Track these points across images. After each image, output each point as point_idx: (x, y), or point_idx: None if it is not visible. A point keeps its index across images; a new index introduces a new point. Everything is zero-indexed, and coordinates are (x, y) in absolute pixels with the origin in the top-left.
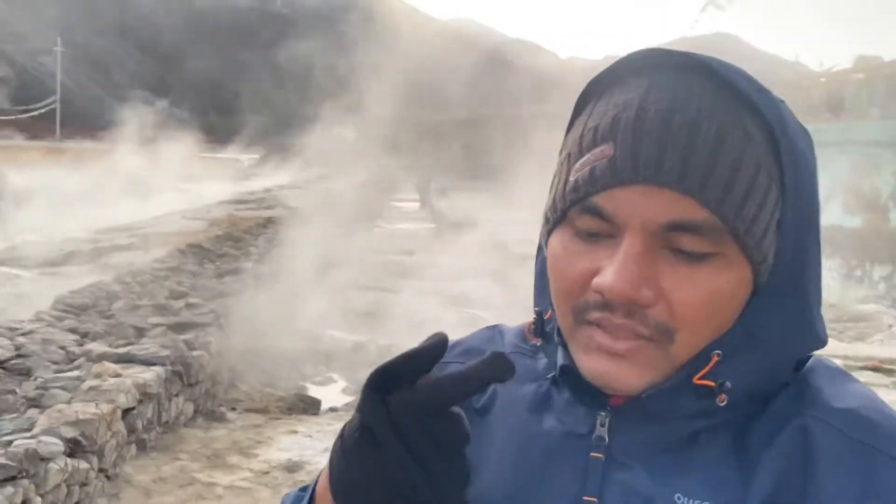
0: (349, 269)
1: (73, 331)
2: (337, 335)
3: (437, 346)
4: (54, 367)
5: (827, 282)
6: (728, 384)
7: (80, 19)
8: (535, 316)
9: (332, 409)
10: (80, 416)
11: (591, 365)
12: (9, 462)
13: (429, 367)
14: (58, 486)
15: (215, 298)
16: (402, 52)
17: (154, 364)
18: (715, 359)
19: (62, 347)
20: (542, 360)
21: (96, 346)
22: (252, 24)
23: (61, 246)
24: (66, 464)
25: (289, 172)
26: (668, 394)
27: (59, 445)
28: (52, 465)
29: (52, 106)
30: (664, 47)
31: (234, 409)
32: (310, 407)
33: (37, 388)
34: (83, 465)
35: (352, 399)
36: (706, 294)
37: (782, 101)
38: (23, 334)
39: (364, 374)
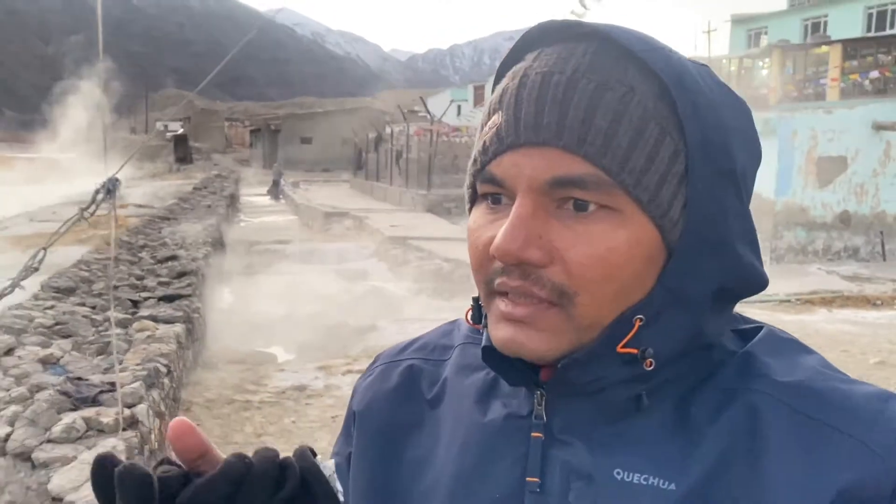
0: (242, 258)
1: (82, 304)
2: (266, 309)
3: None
4: (92, 329)
5: None
6: (650, 350)
7: None
8: (472, 301)
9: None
10: (164, 350)
11: (497, 334)
12: (130, 386)
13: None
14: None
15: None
16: (222, 44)
17: (174, 322)
18: (637, 324)
19: (84, 316)
20: None
21: (113, 314)
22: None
23: None
24: (165, 385)
25: (115, 170)
26: (593, 363)
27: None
28: (154, 390)
29: None
30: (557, 20)
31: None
32: (270, 360)
33: (95, 343)
34: (166, 389)
35: (293, 357)
36: (602, 251)
37: (704, 66)
38: (44, 309)
39: (296, 337)
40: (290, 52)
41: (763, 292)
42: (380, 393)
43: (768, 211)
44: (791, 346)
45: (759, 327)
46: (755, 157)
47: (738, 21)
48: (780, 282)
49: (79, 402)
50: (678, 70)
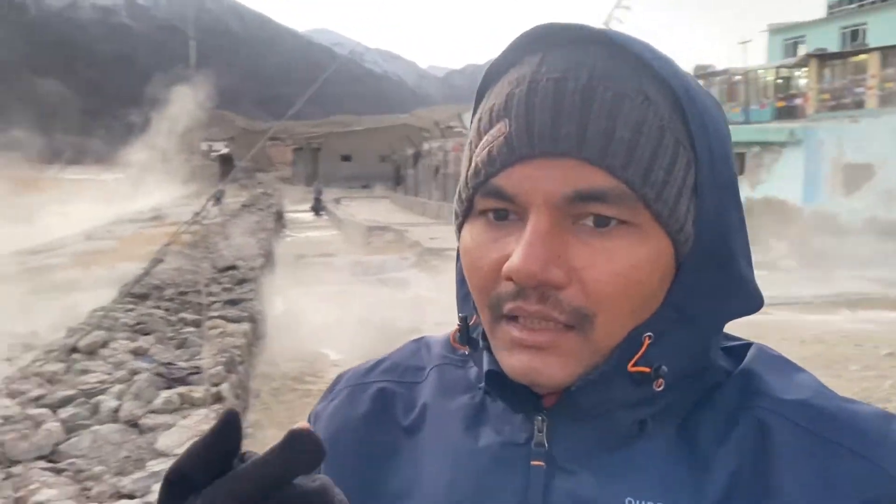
0: (291, 269)
1: (157, 307)
2: (316, 315)
3: (228, 427)
4: (168, 327)
5: None
6: (664, 368)
7: None
8: (458, 322)
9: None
10: (235, 343)
11: (512, 362)
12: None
13: (231, 450)
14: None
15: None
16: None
17: (241, 321)
18: (647, 342)
19: (161, 317)
20: (473, 370)
21: (187, 315)
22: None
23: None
24: (240, 371)
25: (164, 192)
26: (601, 384)
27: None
28: (232, 374)
29: None
30: (559, 22)
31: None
32: (324, 358)
33: (175, 338)
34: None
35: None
36: (623, 269)
37: (687, 74)
38: (126, 311)
39: (345, 339)
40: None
41: (790, 293)
42: (349, 419)
43: (796, 217)
44: (784, 364)
45: (746, 344)
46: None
47: (776, 31)
48: (808, 285)
49: (172, 382)
50: (684, 80)
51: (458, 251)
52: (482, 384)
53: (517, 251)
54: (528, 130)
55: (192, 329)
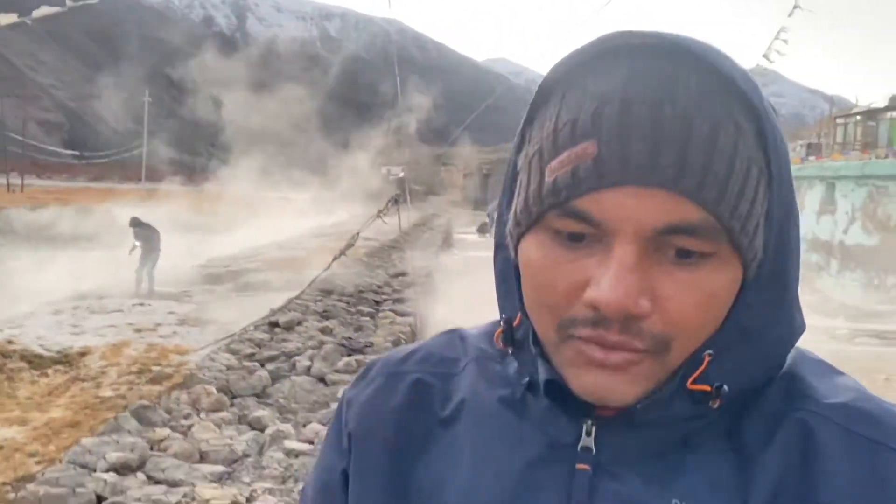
0: (454, 280)
1: (339, 300)
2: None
3: None
4: (349, 315)
5: (851, 291)
6: (725, 388)
7: (128, 69)
8: (503, 324)
9: None
10: (402, 331)
11: (584, 381)
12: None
13: None
14: None
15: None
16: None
17: (407, 315)
18: (707, 359)
19: (342, 308)
20: (513, 364)
21: (363, 308)
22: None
23: (198, 271)
24: None
25: (344, 210)
26: (666, 400)
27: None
28: None
29: (137, 151)
30: (634, 30)
31: None
32: None
33: (353, 323)
34: None
35: None
36: (704, 299)
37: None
38: (315, 301)
39: None
40: (504, 100)
41: None
42: (384, 409)
43: None
44: (825, 368)
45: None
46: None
47: None
48: None
49: (351, 351)
50: (764, 101)
51: (496, 248)
52: (524, 381)
53: (606, 281)
54: (623, 157)
55: (367, 318)
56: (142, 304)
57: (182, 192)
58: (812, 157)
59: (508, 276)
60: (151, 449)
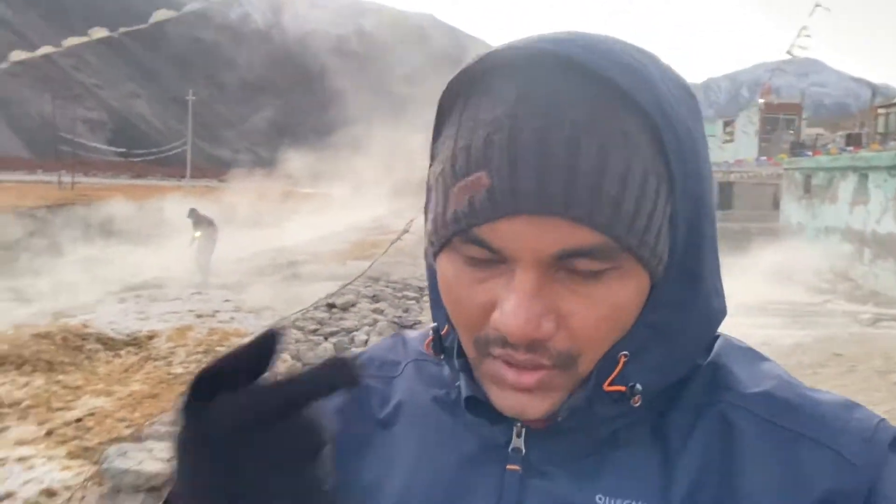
0: None
1: (386, 287)
2: None
3: (265, 343)
4: (396, 299)
5: (883, 279)
6: (638, 386)
7: (168, 68)
8: (432, 333)
9: None
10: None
11: (503, 402)
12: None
13: (261, 368)
14: None
15: None
16: None
17: None
18: (622, 360)
19: (389, 293)
20: (447, 368)
21: (409, 293)
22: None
23: (245, 263)
24: None
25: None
26: (582, 406)
27: None
28: None
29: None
30: (526, 41)
31: None
32: None
33: (401, 306)
34: None
35: None
36: (608, 311)
37: (652, 61)
38: (365, 286)
39: None
40: None
41: None
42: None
43: None
44: (750, 355)
45: (714, 337)
46: (708, 160)
47: None
48: None
49: (402, 327)
50: (659, 99)
51: (426, 256)
52: (457, 383)
53: (508, 308)
54: (513, 188)
55: (412, 301)
56: (199, 294)
57: (224, 188)
58: (850, 148)
59: (435, 286)
60: None
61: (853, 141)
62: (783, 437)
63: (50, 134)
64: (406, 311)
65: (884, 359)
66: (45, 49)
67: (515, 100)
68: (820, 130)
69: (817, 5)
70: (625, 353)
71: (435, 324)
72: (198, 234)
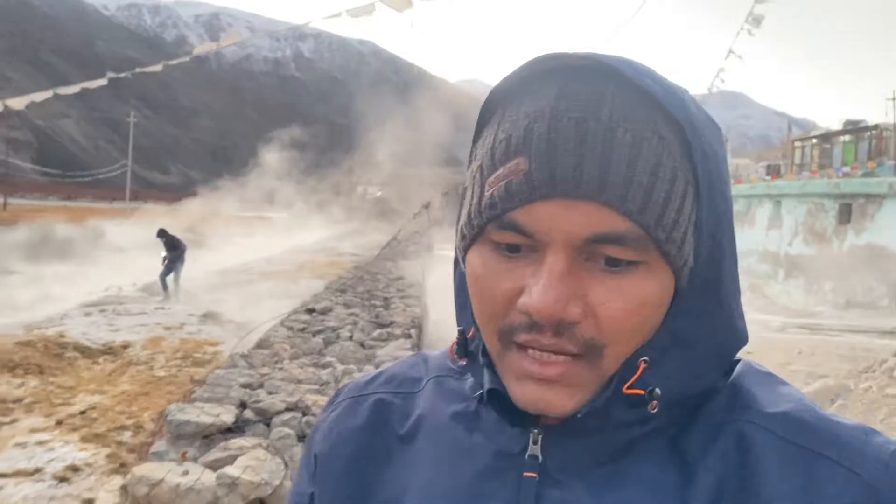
0: (440, 291)
1: (354, 297)
2: None
3: None
4: (366, 305)
5: (794, 295)
6: (657, 391)
7: (99, 87)
8: (458, 335)
9: None
10: (413, 315)
11: (523, 394)
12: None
13: None
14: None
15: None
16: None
17: (414, 306)
18: (643, 366)
19: (358, 301)
20: (469, 380)
21: (375, 301)
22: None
23: (198, 282)
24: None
25: (324, 229)
26: (601, 407)
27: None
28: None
29: (121, 171)
30: (568, 52)
31: None
32: None
33: (371, 312)
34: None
35: None
36: (634, 305)
37: (685, 91)
38: (335, 295)
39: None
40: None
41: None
42: (346, 430)
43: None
44: (771, 379)
45: (735, 360)
46: (730, 187)
47: None
48: None
49: (381, 326)
50: (688, 113)
51: (454, 263)
52: (477, 394)
53: (536, 289)
54: (550, 171)
55: (381, 308)
56: (161, 308)
57: (163, 210)
58: (769, 178)
59: (463, 290)
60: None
61: (773, 171)
62: (802, 456)
63: None
64: (377, 316)
65: (784, 354)
66: None
67: (556, 97)
68: (746, 160)
69: (731, 52)
70: (645, 358)
71: (461, 327)
72: (164, 254)
